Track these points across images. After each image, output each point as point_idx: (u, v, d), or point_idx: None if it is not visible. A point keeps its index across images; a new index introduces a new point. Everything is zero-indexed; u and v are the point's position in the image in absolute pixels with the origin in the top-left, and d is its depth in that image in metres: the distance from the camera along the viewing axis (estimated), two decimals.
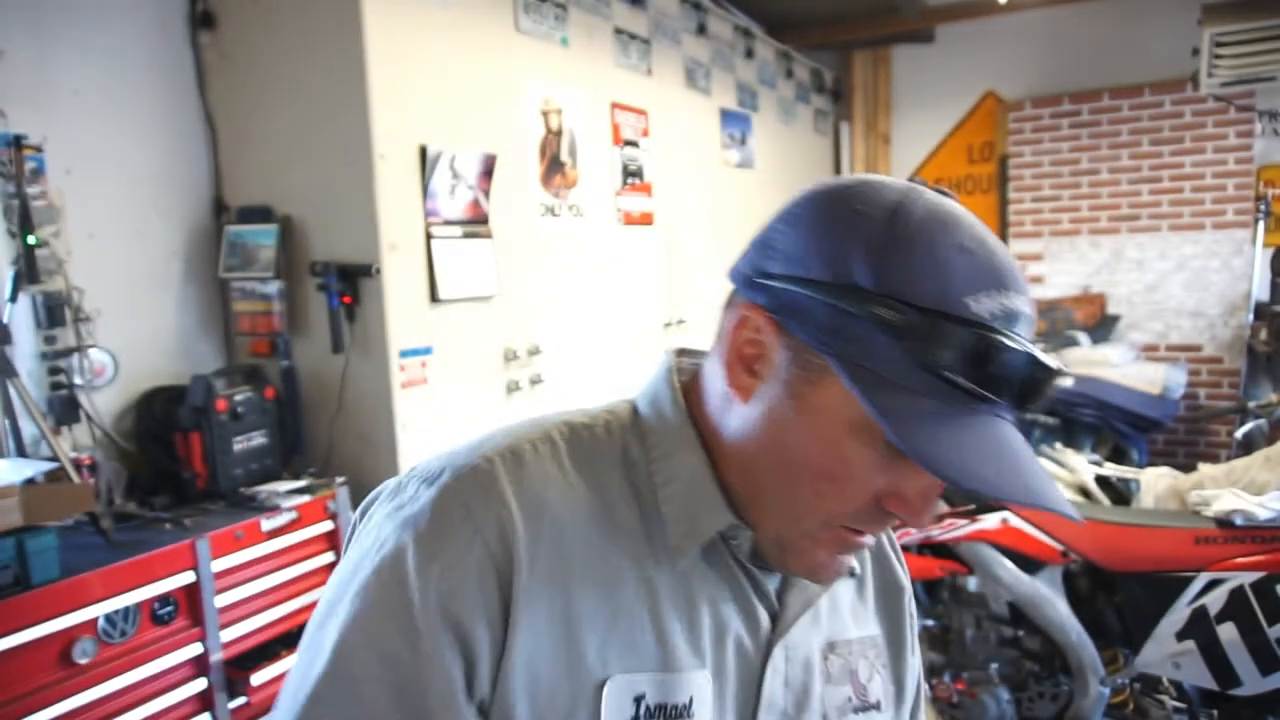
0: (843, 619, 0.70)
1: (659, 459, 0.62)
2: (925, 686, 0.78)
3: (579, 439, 0.63)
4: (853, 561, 0.65)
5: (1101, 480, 2.59)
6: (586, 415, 0.65)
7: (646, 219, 3.23)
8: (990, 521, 2.23)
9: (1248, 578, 2.02)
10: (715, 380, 0.62)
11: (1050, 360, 0.56)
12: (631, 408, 0.66)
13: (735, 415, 0.60)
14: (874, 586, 0.74)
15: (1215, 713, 2.16)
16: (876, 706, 0.70)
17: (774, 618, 0.64)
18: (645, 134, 3.22)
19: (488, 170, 2.41)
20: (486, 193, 2.42)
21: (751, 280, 0.60)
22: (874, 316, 0.53)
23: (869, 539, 0.61)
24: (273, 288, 2.20)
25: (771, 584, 0.65)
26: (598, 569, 0.58)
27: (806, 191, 0.62)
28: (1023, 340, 0.54)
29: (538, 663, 0.55)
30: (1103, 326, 4.61)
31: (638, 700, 0.57)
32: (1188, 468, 2.61)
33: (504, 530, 0.56)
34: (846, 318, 0.53)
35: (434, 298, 2.25)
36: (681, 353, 0.68)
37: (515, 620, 0.55)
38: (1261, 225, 4.32)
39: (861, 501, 0.57)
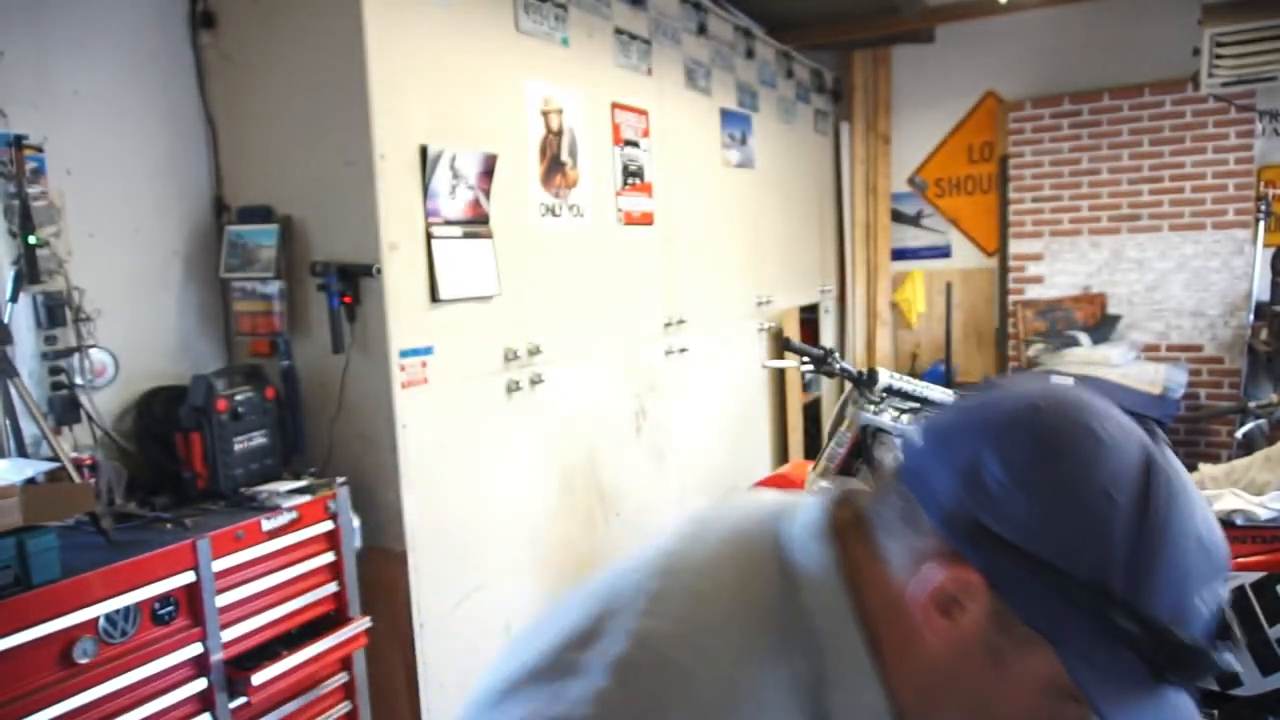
0: None
1: (834, 683, 0.57)
2: None
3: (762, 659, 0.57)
4: None
5: None
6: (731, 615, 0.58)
7: (646, 219, 3.23)
8: None
9: (1248, 577, 2.02)
10: (898, 602, 0.57)
11: (1222, 659, 0.54)
12: (778, 587, 0.59)
13: (919, 642, 0.57)
14: None
15: (1215, 713, 2.15)
16: None
17: None
18: (645, 134, 3.22)
19: (488, 170, 2.41)
20: (487, 193, 2.42)
21: (962, 529, 0.54)
22: (1111, 623, 0.51)
23: None
24: (273, 288, 2.20)
25: None
26: None
27: (1041, 439, 0.55)
28: (1220, 648, 0.54)
29: None
30: (1103, 326, 4.61)
31: None
32: (1188, 467, 2.61)
33: None
34: (1080, 613, 0.52)
35: (434, 298, 2.25)
36: (838, 506, 0.62)
37: None
38: (1262, 225, 4.33)
39: None
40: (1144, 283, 4.68)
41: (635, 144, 3.16)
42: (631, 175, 3.13)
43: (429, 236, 2.23)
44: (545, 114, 2.69)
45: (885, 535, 0.59)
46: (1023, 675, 0.55)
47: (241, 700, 1.78)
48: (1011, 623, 0.54)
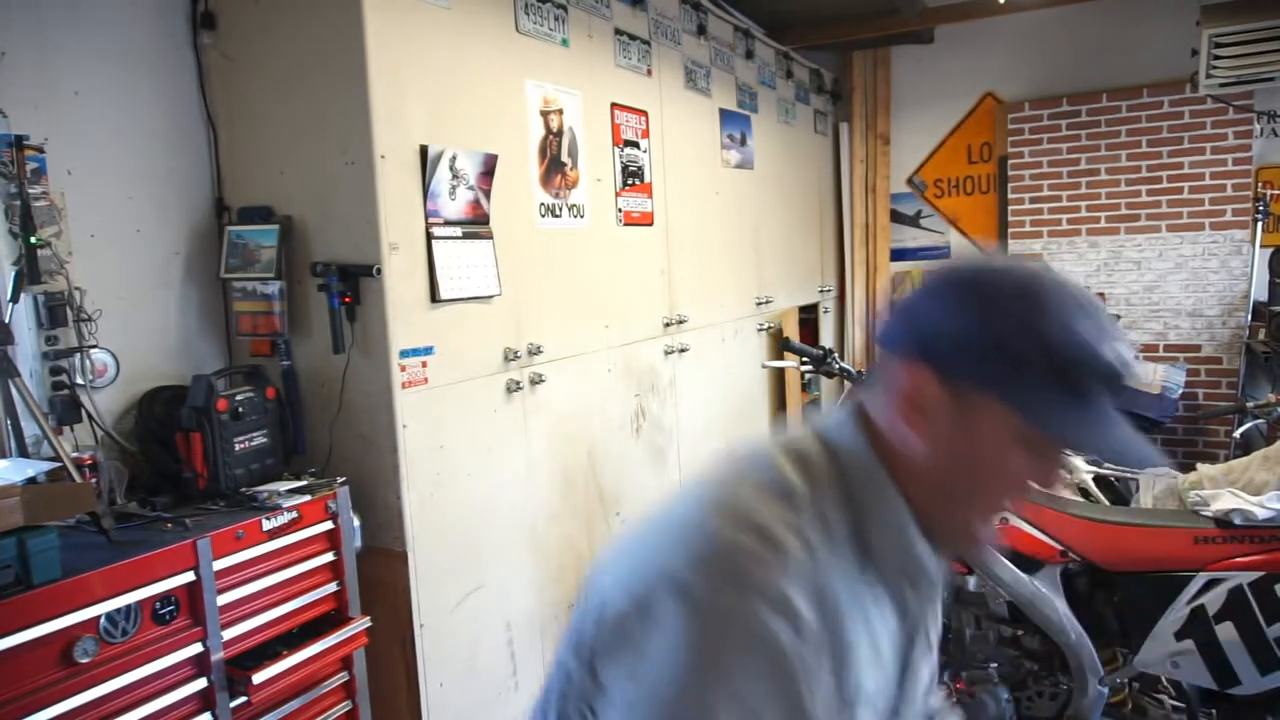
0: (924, 619, 0.87)
1: (872, 503, 0.77)
2: None
3: (812, 495, 0.76)
4: (988, 541, 0.82)
5: (1100, 480, 2.59)
6: (793, 464, 0.77)
7: (646, 219, 3.24)
8: None
9: (1246, 577, 2.03)
10: (892, 424, 0.77)
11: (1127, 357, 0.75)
12: (823, 452, 0.79)
13: (917, 450, 0.76)
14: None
15: (1214, 712, 2.16)
16: (937, 648, 0.91)
17: (918, 620, 0.84)
18: (645, 134, 3.23)
19: (488, 170, 2.41)
20: (487, 193, 2.42)
21: (913, 347, 0.76)
22: (1025, 363, 0.71)
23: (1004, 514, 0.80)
24: (273, 288, 2.21)
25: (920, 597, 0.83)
26: (853, 611, 0.74)
27: (947, 277, 0.77)
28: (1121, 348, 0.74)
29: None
30: None
31: (862, 685, 0.74)
32: (1186, 468, 2.61)
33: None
34: (1003, 367, 0.71)
35: (434, 298, 2.25)
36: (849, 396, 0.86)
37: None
38: (1260, 225, 4.34)
39: (1021, 489, 0.76)
40: (1142, 283, 4.68)
41: (635, 144, 3.16)
42: (631, 175, 3.14)
43: (429, 236, 2.24)
44: (545, 114, 2.70)
45: (875, 398, 0.80)
46: (992, 437, 0.73)
47: (242, 700, 1.78)
48: (964, 394, 0.73)
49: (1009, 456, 0.73)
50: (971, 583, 2.33)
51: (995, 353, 0.71)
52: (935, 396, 0.74)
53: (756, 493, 0.73)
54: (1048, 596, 2.20)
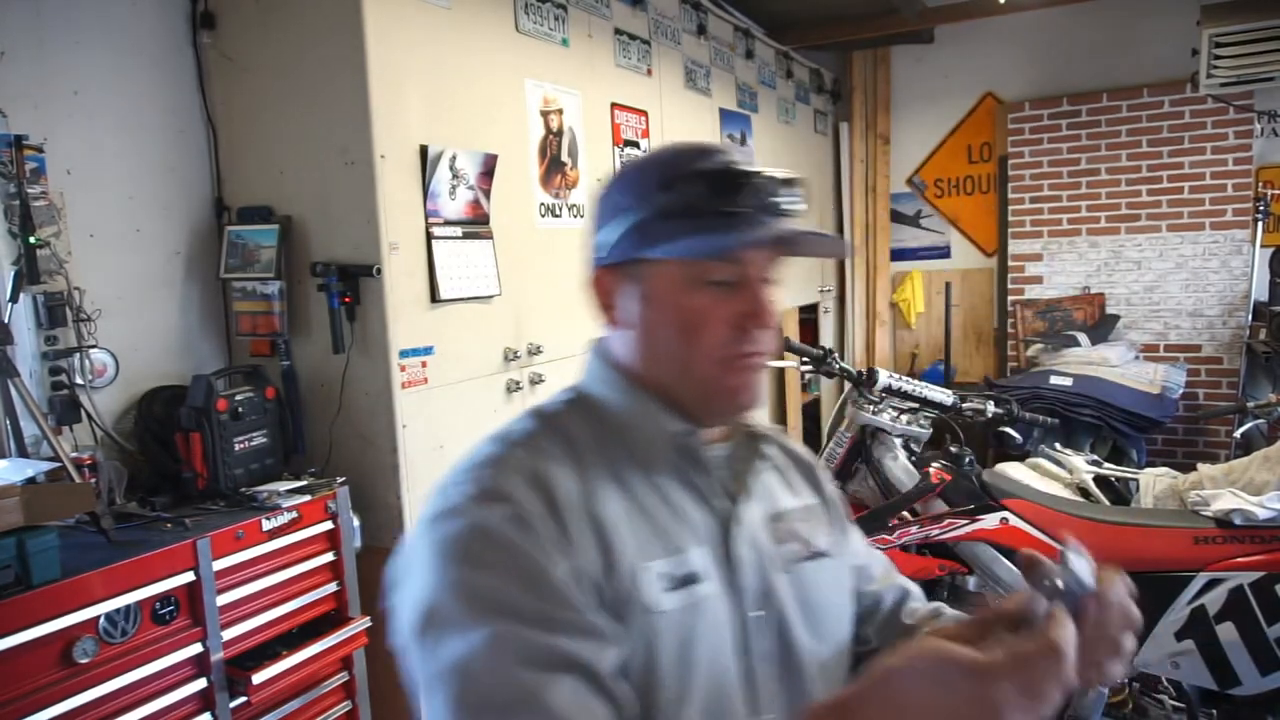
0: (778, 497, 0.90)
1: (614, 405, 0.84)
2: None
3: (550, 418, 0.84)
4: (760, 384, 0.85)
5: (1101, 480, 2.59)
6: (548, 404, 0.86)
7: None
8: (989, 521, 2.24)
9: (1247, 577, 2.03)
10: (609, 334, 0.87)
11: (773, 170, 0.81)
12: (568, 390, 0.88)
13: (627, 340, 0.84)
14: (796, 470, 0.97)
15: (1214, 712, 2.16)
16: (825, 554, 0.90)
17: (730, 499, 0.85)
18: (645, 134, 3.23)
19: (488, 170, 2.41)
20: (487, 193, 2.42)
21: (589, 262, 0.88)
22: (649, 213, 0.80)
23: (754, 353, 0.81)
24: (273, 288, 2.20)
25: (721, 477, 0.85)
26: (608, 495, 0.77)
27: (610, 180, 0.87)
28: (742, 163, 0.80)
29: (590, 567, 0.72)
30: (1102, 326, 4.61)
31: (663, 576, 0.75)
32: (1187, 468, 2.61)
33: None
34: (635, 229, 0.81)
35: (434, 298, 2.25)
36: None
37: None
38: (1260, 225, 4.34)
39: (724, 329, 0.79)
40: (1142, 283, 4.68)
41: (635, 144, 3.16)
42: None
43: (429, 236, 2.24)
44: (545, 114, 2.70)
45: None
46: (664, 290, 0.80)
47: (242, 700, 1.78)
48: (626, 270, 0.83)
49: (689, 299, 0.79)
50: (971, 583, 2.32)
51: (624, 220, 0.81)
52: (610, 286, 0.85)
53: (490, 436, 0.82)
54: None
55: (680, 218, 0.78)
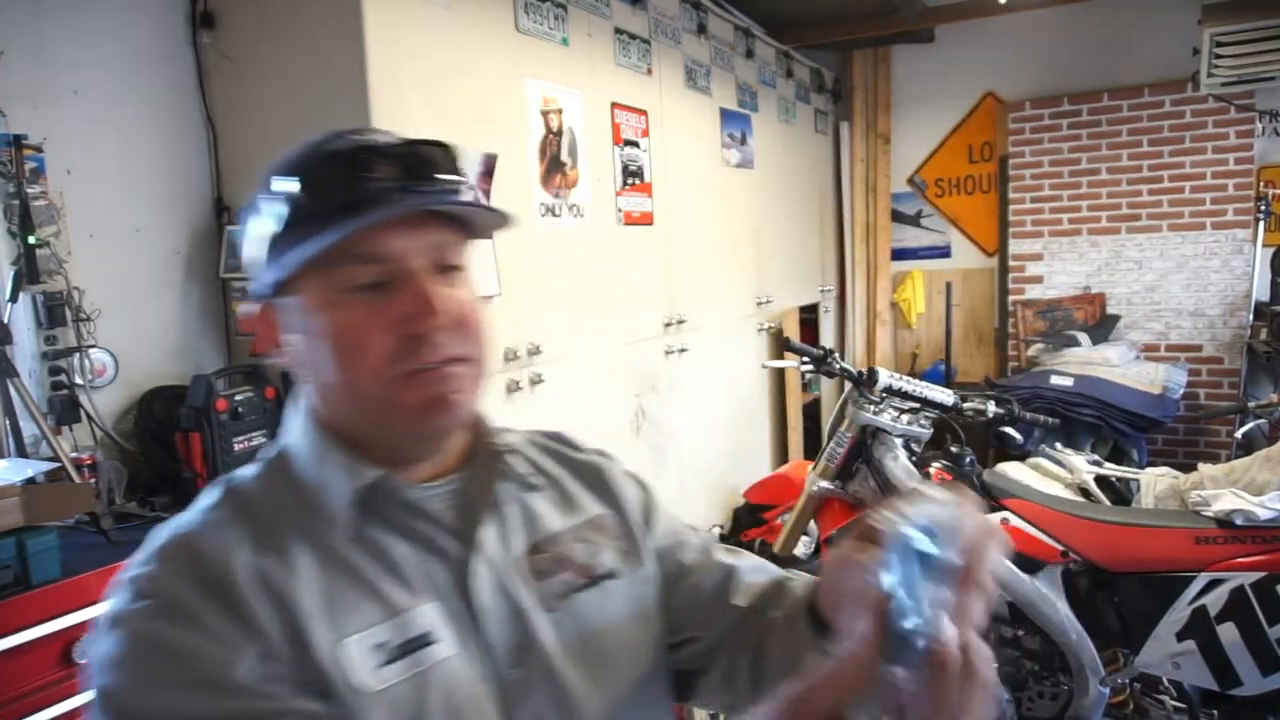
0: (540, 523, 0.78)
1: (304, 461, 0.72)
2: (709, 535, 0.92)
3: (233, 491, 0.72)
4: (461, 398, 0.71)
5: (1101, 480, 2.59)
6: (241, 471, 0.75)
7: (646, 219, 3.23)
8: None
9: (1248, 577, 2.02)
10: (289, 371, 0.75)
11: (406, 136, 0.70)
12: (277, 445, 0.77)
13: (304, 376, 0.73)
14: (575, 480, 0.84)
15: (1215, 713, 2.16)
16: (611, 575, 0.78)
17: (464, 541, 0.72)
18: (645, 134, 3.22)
19: (488, 170, 2.41)
20: (487, 193, 2.42)
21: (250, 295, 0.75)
22: (276, 228, 0.69)
23: (432, 362, 0.68)
24: None
25: (448, 517, 0.73)
26: (299, 567, 0.66)
27: None
28: (372, 139, 0.69)
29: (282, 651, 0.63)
30: (1102, 326, 4.61)
31: (380, 646, 0.65)
32: (1187, 468, 2.61)
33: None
34: (269, 251, 0.70)
35: None
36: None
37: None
38: (1261, 225, 4.33)
39: (385, 341, 0.67)
40: (1143, 283, 4.68)
41: (635, 144, 3.16)
42: (631, 175, 3.13)
43: None
44: (545, 114, 2.69)
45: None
46: (316, 309, 0.68)
47: None
48: (279, 299, 0.71)
49: (338, 315, 0.68)
50: None
51: (262, 238, 0.71)
52: (271, 322, 0.73)
53: (167, 523, 0.71)
54: (1048, 597, 2.20)
55: (306, 220, 0.67)
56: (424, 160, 0.70)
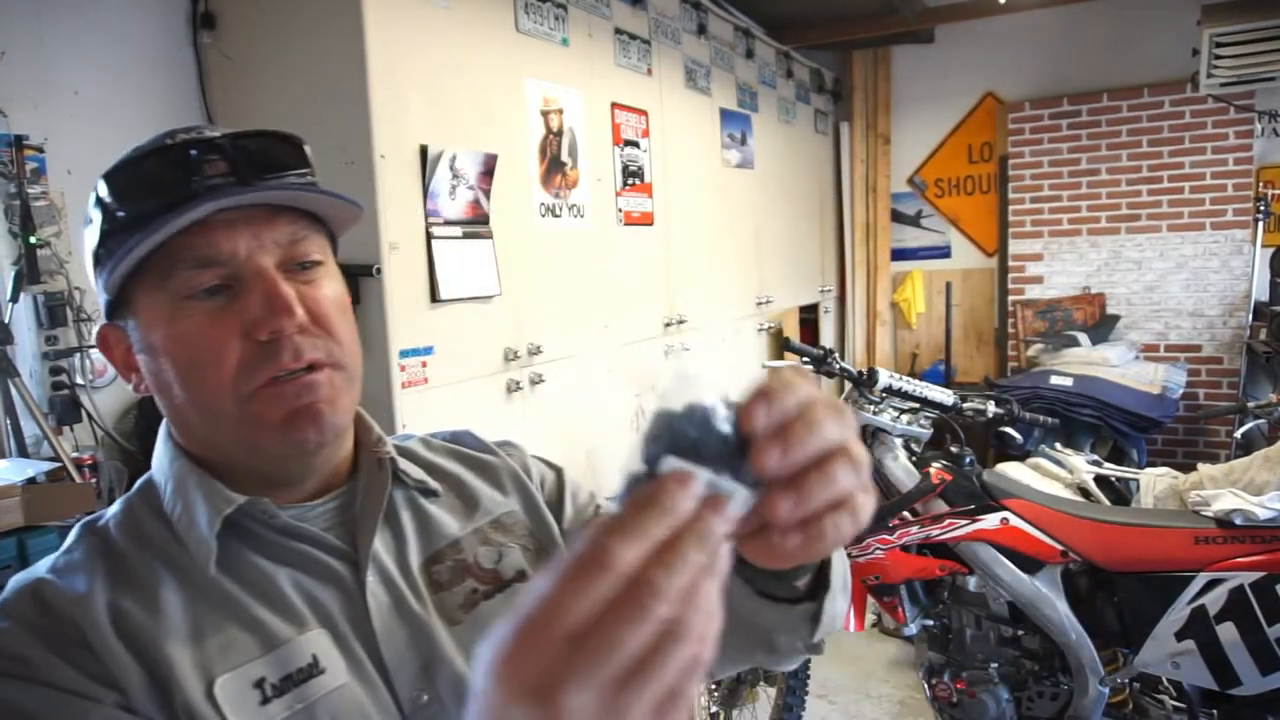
0: (439, 530, 0.72)
1: (168, 492, 0.67)
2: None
3: (92, 531, 0.66)
4: (331, 407, 0.65)
5: (1101, 480, 2.59)
6: (108, 510, 0.69)
7: (646, 219, 3.24)
8: (990, 521, 2.24)
9: (1247, 577, 2.03)
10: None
11: (226, 129, 0.64)
12: (145, 477, 0.71)
13: (162, 408, 0.67)
14: (477, 476, 0.78)
15: (1215, 712, 2.16)
16: (519, 578, 0.72)
17: (354, 561, 0.67)
18: (645, 134, 3.22)
19: (488, 170, 2.41)
20: (487, 193, 2.42)
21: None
22: (105, 228, 0.64)
23: (300, 368, 0.63)
24: None
25: (334, 535, 0.68)
26: (163, 605, 0.60)
27: None
28: (195, 133, 0.63)
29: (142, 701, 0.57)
30: (1102, 326, 4.61)
31: (260, 683, 0.59)
32: (1187, 468, 2.61)
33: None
34: (103, 265, 0.64)
35: (434, 298, 2.25)
36: None
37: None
38: (1261, 225, 4.33)
39: (233, 349, 0.61)
40: (1143, 283, 4.68)
41: (635, 144, 3.16)
42: (631, 175, 3.14)
43: (429, 236, 2.24)
44: (545, 114, 2.69)
45: None
46: (161, 325, 0.63)
47: None
48: (125, 320, 0.65)
49: (180, 327, 0.62)
50: (972, 583, 2.32)
51: (90, 259, 0.66)
52: (116, 343, 0.67)
53: (19, 576, 0.65)
54: (1048, 596, 2.20)
55: (127, 228, 0.62)
56: (255, 153, 0.64)
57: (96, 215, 0.65)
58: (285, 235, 0.64)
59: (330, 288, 0.66)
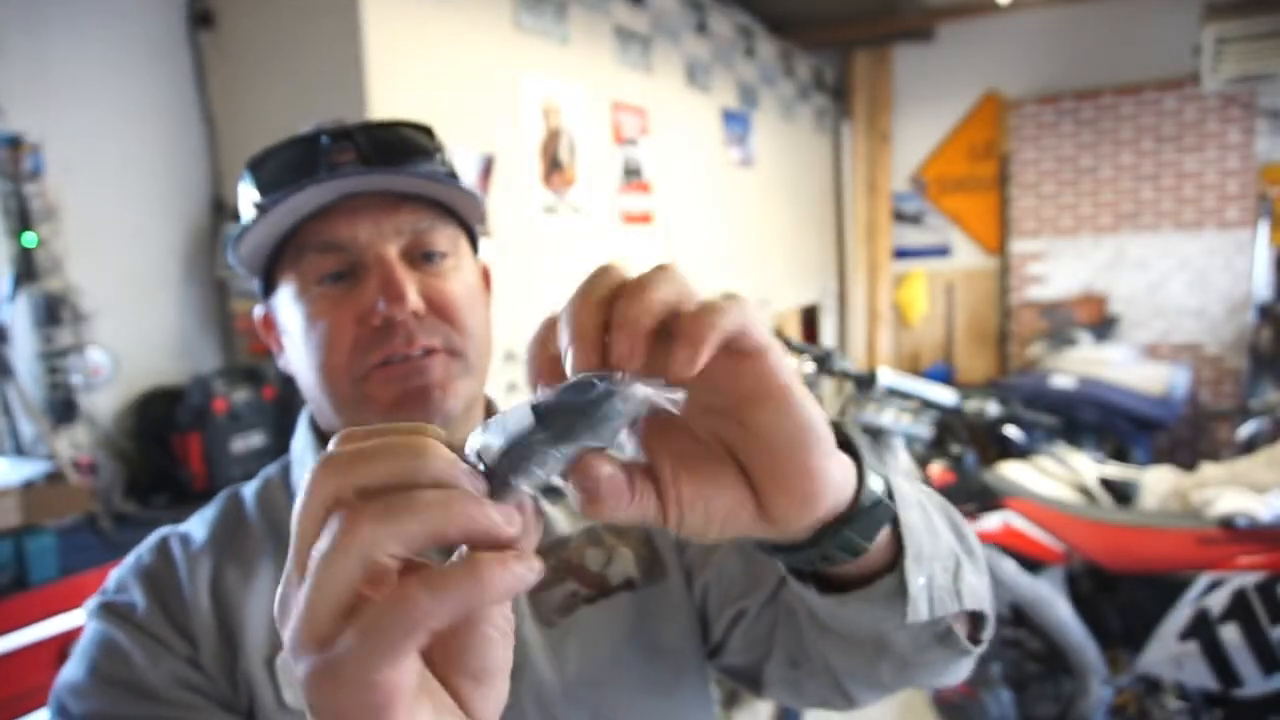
0: (548, 526, 0.69)
1: (300, 469, 0.70)
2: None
3: (231, 498, 0.71)
4: (443, 390, 0.64)
5: (1104, 480, 2.58)
6: (256, 478, 0.74)
7: (646, 217, 3.23)
8: (992, 522, 2.23)
9: (1250, 578, 2.02)
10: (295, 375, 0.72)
11: (328, 121, 0.67)
12: (285, 455, 0.75)
13: (294, 369, 0.70)
14: None
15: (1218, 713, 2.15)
16: (626, 586, 0.68)
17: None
18: (645, 132, 3.21)
19: (487, 169, 2.40)
20: (486, 192, 2.41)
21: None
22: (246, 219, 0.66)
23: (414, 353, 0.63)
24: None
25: None
26: (256, 578, 0.65)
27: None
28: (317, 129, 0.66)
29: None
30: (1104, 326, 4.60)
31: None
32: (1190, 468, 2.60)
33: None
34: (245, 253, 0.67)
35: None
36: None
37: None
38: (1264, 224, 4.32)
39: (348, 333, 0.63)
40: (1145, 282, 4.67)
41: (635, 142, 3.15)
42: (631, 174, 3.13)
43: None
44: (545, 112, 2.69)
45: None
46: (289, 306, 0.66)
47: None
48: (269, 296, 0.69)
49: (305, 310, 0.65)
50: None
51: (235, 243, 0.68)
52: (267, 321, 0.71)
53: (159, 530, 0.70)
54: (1050, 597, 2.19)
55: (264, 212, 0.65)
56: (382, 140, 0.66)
57: (243, 200, 0.69)
58: (408, 224, 0.65)
59: (457, 280, 0.66)
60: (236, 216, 0.69)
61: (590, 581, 0.68)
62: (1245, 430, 3.38)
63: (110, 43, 2.11)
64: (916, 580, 0.48)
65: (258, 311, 0.73)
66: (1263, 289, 4.35)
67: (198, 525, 0.69)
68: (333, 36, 2.08)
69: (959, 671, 0.58)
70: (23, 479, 1.62)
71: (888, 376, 2.42)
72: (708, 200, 3.69)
